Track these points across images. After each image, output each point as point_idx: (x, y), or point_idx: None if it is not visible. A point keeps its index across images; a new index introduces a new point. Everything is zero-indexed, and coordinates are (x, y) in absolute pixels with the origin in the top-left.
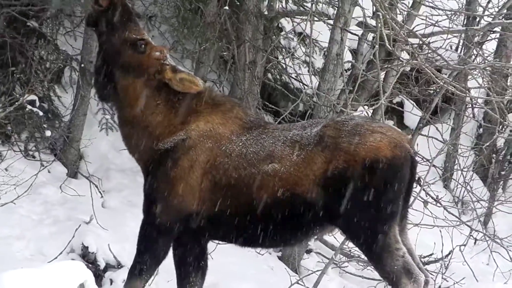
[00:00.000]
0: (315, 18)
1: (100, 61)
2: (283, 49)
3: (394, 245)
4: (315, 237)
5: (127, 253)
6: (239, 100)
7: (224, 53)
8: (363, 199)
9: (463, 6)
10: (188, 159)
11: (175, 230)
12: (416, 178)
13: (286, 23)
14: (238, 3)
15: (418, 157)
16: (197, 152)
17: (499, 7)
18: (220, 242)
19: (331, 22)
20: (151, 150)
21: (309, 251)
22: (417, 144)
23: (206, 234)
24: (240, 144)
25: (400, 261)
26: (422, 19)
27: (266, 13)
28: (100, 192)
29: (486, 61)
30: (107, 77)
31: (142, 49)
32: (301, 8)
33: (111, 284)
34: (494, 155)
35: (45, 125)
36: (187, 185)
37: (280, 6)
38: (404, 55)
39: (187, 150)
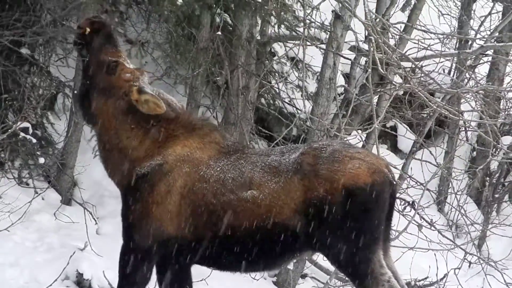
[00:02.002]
0: (308, 43)
1: (81, 83)
2: (276, 74)
3: (379, 270)
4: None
5: None
6: (217, 125)
7: (217, 78)
8: (344, 226)
9: (455, 30)
10: (165, 184)
11: (155, 255)
12: (410, 202)
13: (278, 48)
14: (231, 29)
15: (413, 181)
16: (174, 177)
17: (491, 31)
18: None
19: (323, 46)
20: (129, 174)
21: (304, 276)
22: (411, 168)
23: (186, 258)
24: (218, 169)
25: (386, 286)
26: (415, 43)
27: (258, 38)
28: (94, 218)
29: (479, 85)
30: (86, 99)
31: (112, 70)
32: (294, 33)
33: None
34: (487, 178)
35: (38, 152)
36: (164, 210)
37: (273, 31)
38: (397, 79)
39: (164, 175)
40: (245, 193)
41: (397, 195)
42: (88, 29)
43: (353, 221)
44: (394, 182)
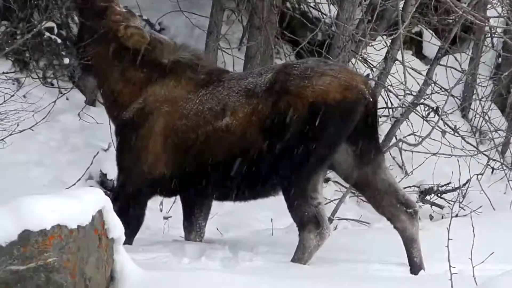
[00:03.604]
0: None
1: (78, 31)
2: None
3: (310, 192)
4: None
5: None
6: (191, 58)
7: None
8: (301, 142)
9: None
10: (147, 126)
11: (146, 196)
12: (434, 108)
13: None
14: None
15: (437, 86)
16: (155, 118)
17: None
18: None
19: None
20: (118, 119)
21: (327, 180)
22: (436, 74)
23: (179, 193)
24: (197, 101)
25: (312, 210)
26: None
27: None
28: None
29: None
30: (82, 46)
31: (103, 13)
32: None
33: None
34: None
35: (63, 53)
36: (150, 152)
37: None
38: None
39: (146, 117)
40: (220, 121)
41: (421, 100)
42: None
43: (311, 137)
44: (371, 99)
